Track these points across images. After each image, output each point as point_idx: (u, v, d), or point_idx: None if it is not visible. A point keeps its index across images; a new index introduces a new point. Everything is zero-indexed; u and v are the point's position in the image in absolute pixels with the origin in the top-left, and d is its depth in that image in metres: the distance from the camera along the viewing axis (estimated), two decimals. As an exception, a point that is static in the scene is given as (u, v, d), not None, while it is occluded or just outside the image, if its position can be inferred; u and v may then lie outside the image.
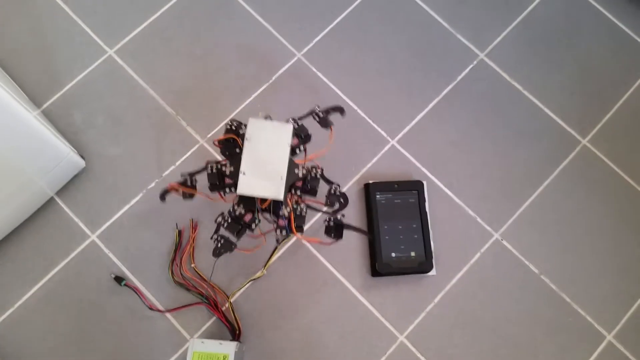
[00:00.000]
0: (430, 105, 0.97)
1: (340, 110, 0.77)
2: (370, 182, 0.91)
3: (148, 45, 1.00)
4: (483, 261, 0.90)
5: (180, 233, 0.89)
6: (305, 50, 1.00)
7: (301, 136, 0.72)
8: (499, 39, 1.02)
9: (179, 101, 0.97)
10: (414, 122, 0.96)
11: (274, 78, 0.98)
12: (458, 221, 0.91)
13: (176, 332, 0.86)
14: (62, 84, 0.98)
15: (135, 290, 0.87)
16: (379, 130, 0.96)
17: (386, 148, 0.95)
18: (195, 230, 0.89)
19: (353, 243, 0.90)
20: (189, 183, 0.75)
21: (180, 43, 1.00)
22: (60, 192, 0.92)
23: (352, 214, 0.91)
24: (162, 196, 0.77)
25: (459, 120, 0.97)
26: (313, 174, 0.71)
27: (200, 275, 0.87)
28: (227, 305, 0.86)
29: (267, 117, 0.72)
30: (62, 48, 0.99)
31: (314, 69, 0.99)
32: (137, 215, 0.91)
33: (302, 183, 0.71)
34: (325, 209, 0.75)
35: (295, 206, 0.71)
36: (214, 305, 0.85)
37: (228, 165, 0.69)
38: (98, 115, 0.96)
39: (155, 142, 0.95)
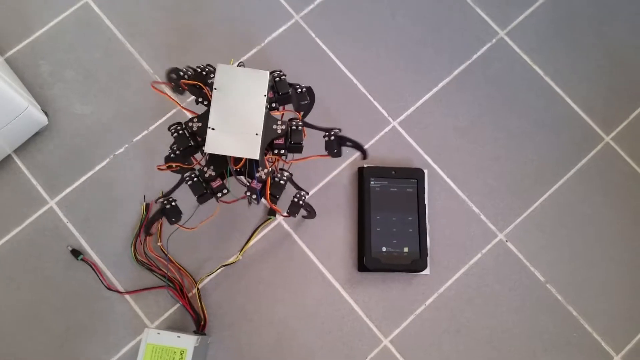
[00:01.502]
0: (440, 86, 0.87)
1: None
2: (365, 165, 0.81)
3: (129, -6, 0.89)
4: (483, 263, 0.80)
5: (147, 207, 0.80)
6: (304, 12, 0.89)
7: (278, 92, 0.62)
8: (522, 16, 0.91)
9: (159, 59, 0.87)
10: (419, 102, 0.86)
11: (266, 41, 0.88)
12: (459, 217, 0.82)
13: (135, 317, 0.77)
14: (32, 30, 0.88)
15: (93, 266, 0.78)
16: (380, 108, 0.86)
17: (386, 129, 0.85)
18: (165, 205, 0.80)
19: (340, 233, 0.80)
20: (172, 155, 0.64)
21: (165, -6, 0.89)
22: (19, 151, 0.82)
23: (342, 201, 0.82)
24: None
25: (469, 105, 0.86)
26: (294, 126, 0.61)
27: (166, 256, 0.78)
28: (194, 291, 0.77)
29: (240, 64, 0.62)
30: (34, -10, 0.89)
31: (313, 35, 0.88)
32: (102, 182, 0.82)
33: (284, 140, 0.62)
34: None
35: (273, 171, 0.61)
36: (179, 291, 0.76)
37: (195, 121, 0.60)
38: (68, 68, 0.86)
39: (129, 102, 0.85)
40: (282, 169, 0.63)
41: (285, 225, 0.81)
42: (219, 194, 0.62)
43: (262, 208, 0.81)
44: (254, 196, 0.60)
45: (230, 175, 0.61)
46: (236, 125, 0.58)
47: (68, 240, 0.79)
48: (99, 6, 0.89)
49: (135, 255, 0.78)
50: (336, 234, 0.80)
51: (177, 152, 0.63)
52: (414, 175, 0.80)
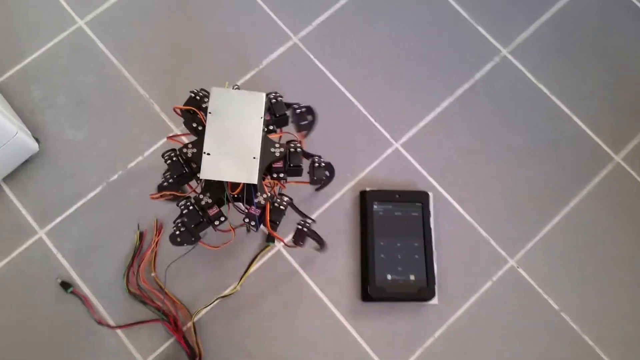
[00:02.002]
0: (443, 106, 0.84)
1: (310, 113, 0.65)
2: (368, 189, 0.78)
3: (124, 18, 0.88)
4: (494, 291, 0.76)
5: (141, 235, 0.76)
6: (302, 33, 0.87)
7: (274, 114, 0.60)
8: (525, 34, 0.89)
9: (154, 83, 0.84)
10: (422, 123, 0.83)
11: (264, 63, 0.86)
12: (467, 242, 0.78)
13: (126, 353, 0.73)
14: (23, 55, 0.85)
15: (83, 299, 0.74)
16: (381, 130, 0.83)
17: (388, 151, 0.82)
18: (159, 233, 0.76)
19: (342, 260, 0.77)
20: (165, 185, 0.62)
21: (160, 17, 0.87)
22: (8, 179, 0.79)
23: (344, 226, 0.78)
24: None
25: (474, 125, 0.83)
26: (292, 149, 0.58)
27: (160, 287, 0.74)
28: (189, 324, 0.73)
29: (235, 87, 0.60)
30: (28, 16, 0.87)
31: (311, 56, 0.86)
32: (94, 211, 0.78)
33: (282, 163, 0.59)
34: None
35: (272, 196, 0.58)
36: (173, 324, 0.72)
37: (190, 147, 0.57)
38: (60, 93, 0.84)
39: (123, 128, 0.82)
40: (281, 194, 0.60)
41: (285, 253, 0.77)
42: (216, 222, 0.59)
43: (260, 235, 0.77)
44: (253, 223, 0.56)
45: (228, 202, 0.58)
46: (233, 150, 0.55)
47: (58, 272, 0.76)
48: (93, 30, 0.87)
49: (127, 287, 0.74)
50: (338, 262, 0.77)
51: (171, 180, 0.60)
52: (419, 199, 0.77)
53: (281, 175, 0.60)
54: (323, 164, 0.66)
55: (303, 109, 0.64)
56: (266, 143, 0.59)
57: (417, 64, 0.86)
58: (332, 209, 0.79)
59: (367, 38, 0.87)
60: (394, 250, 0.75)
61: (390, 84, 0.85)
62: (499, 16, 0.89)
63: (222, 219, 0.59)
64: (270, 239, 0.76)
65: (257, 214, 0.57)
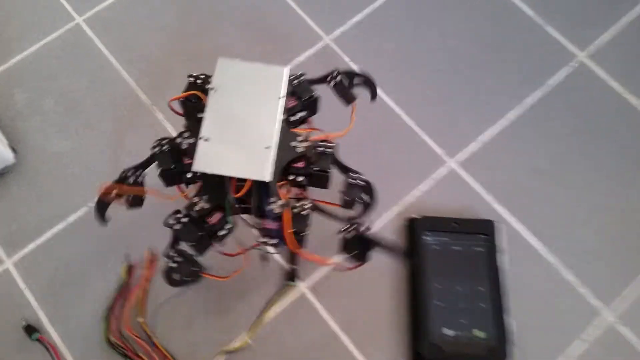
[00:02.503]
0: (508, 117, 0.68)
1: (370, 86, 0.49)
2: (417, 216, 0.61)
3: (128, 15, 0.75)
4: (589, 354, 0.57)
5: (130, 269, 0.60)
6: (336, 33, 0.73)
7: (301, 98, 0.46)
8: (606, 35, 0.73)
9: (158, 89, 0.71)
10: (484, 137, 0.67)
11: (291, 66, 0.71)
12: (548, 287, 0.60)
13: (100, 423, 0.56)
14: (9, 55, 0.73)
15: (51, 349, 0.58)
16: (432, 145, 0.67)
17: (441, 171, 0.66)
18: (151, 266, 0.60)
19: (384, 308, 0.59)
20: (131, 181, 0.47)
21: (170, 16, 0.75)
22: (-25, 196, 0.65)
23: (387, 264, 0.61)
24: (101, 212, 0.50)
25: (550, 140, 0.67)
26: (321, 148, 0.43)
27: (148, 336, 0.57)
28: (182, 387, 0.56)
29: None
30: (19, 11, 0.76)
31: (346, 59, 0.72)
32: (75, 237, 0.63)
33: (304, 163, 0.44)
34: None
35: (292, 201, 0.43)
36: (162, 386, 0.55)
37: (186, 135, 0.42)
38: (47, 98, 0.71)
39: (118, 137, 0.68)
40: (298, 198, 0.44)
41: (310, 296, 0.60)
42: (221, 232, 0.43)
43: (276, 269, 0.61)
44: (273, 241, 0.40)
45: (232, 210, 0.42)
46: (239, 136, 0.40)
47: (23, 312, 0.60)
48: (92, 28, 0.75)
49: (107, 334, 0.57)
50: (379, 310, 0.59)
51: (139, 175, 0.45)
52: (483, 229, 0.60)
53: (300, 179, 0.44)
54: (361, 183, 0.49)
55: (337, 78, 0.49)
56: (286, 134, 0.44)
57: (473, 70, 0.71)
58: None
59: (409, 40, 0.73)
60: (453, 296, 0.57)
61: (441, 92, 0.70)
62: (573, 16, 0.74)
63: (228, 227, 0.43)
64: (290, 276, 0.59)
65: (276, 227, 0.41)
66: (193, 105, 0.44)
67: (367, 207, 0.51)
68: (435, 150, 0.67)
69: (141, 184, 0.48)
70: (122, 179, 0.48)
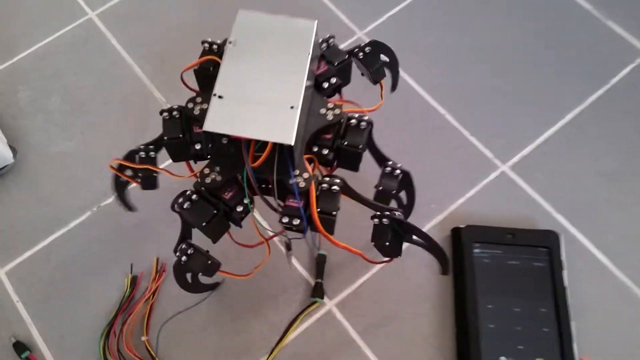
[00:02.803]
0: (568, 117, 0.60)
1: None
2: (463, 226, 0.53)
3: (143, 10, 0.70)
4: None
5: (134, 280, 0.53)
6: (370, 27, 0.67)
7: (332, 63, 0.40)
8: (674, 29, 0.65)
9: (174, 86, 0.64)
10: (540, 139, 0.59)
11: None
12: (619, 307, 0.51)
13: None
14: (15, 50, 0.68)
15: (41, 370, 0.50)
16: (481, 147, 0.59)
17: (492, 176, 0.57)
18: (159, 277, 0.53)
19: (426, 331, 0.51)
20: (142, 155, 0.41)
21: (187, 10, 0.70)
22: (-30, 199, 0.59)
23: (427, 279, 0.53)
24: (119, 191, 0.44)
25: (615, 141, 0.59)
26: (354, 122, 0.38)
27: (152, 357, 0.49)
28: (189, 419, 0.47)
29: None
30: (31, 6, 0.71)
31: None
32: (75, 245, 0.56)
33: (331, 135, 0.37)
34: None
35: (319, 175, 0.37)
36: (165, 418, 0.47)
37: (199, 100, 0.35)
38: (52, 96, 0.65)
39: (127, 137, 0.62)
40: (327, 175, 0.37)
41: (339, 315, 0.52)
42: (239, 208, 0.35)
43: (298, 283, 0.53)
44: (296, 222, 0.33)
45: (250, 190, 0.35)
46: (259, 95, 0.34)
47: (13, 328, 0.53)
48: (105, 23, 0.69)
49: (104, 353, 0.50)
50: (417, 333, 0.51)
51: (152, 147, 0.40)
52: (544, 242, 0.51)
53: (325, 152, 0.37)
54: (398, 173, 0.42)
55: (366, 50, 0.42)
56: (314, 99, 0.37)
57: (528, 67, 0.64)
58: (408, 255, 0.54)
59: (455, 33, 0.66)
60: (509, 318, 0.48)
61: (492, 91, 0.62)
62: (636, 10, 0.66)
63: (246, 202, 0.35)
64: (317, 291, 0.51)
65: (301, 205, 0.34)
66: (209, 75, 0.37)
67: (408, 202, 0.44)
68: (485, 153, 0.59)
69: (153, 160, 0.41)
70: (131, 154, 0.43)
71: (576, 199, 0.55)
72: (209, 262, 0.39)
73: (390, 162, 0.42)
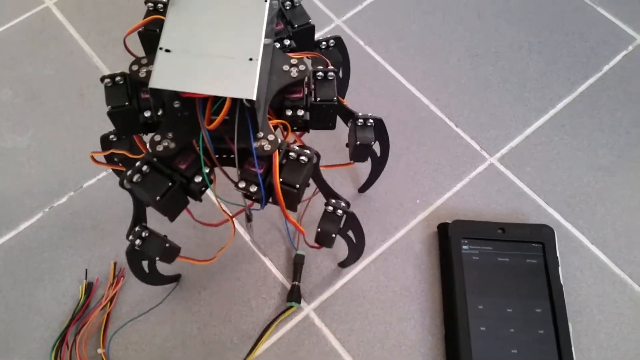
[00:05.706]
0: (559, 107, 0.57)
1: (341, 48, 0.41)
2: (450, 221, 0.49)
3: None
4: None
5: (89, 287, 0.48)
6: (349, 15, 0.63)
7: (292, 25, 0.37)
8: (665, 16, 0.63)
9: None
10: (529, 130, 0.56)
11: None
12: (618, 307, 0.47)
13: None
14: (-34, 41, 0.63)
15: (-18, 390, 0.44)
16: (467, 139, 0.55)
17: (480, 169, 0.54)
18: (117, 283, 0.48)
19: (412, 335, 0.46)
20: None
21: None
22: None
23: (413, 279, 0.48)
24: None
25: (609, 132, 0.56)
26: (321, 74, 0.35)
27: (107, 372, 0.44)
28: None
29: None
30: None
31: (361, 42, 0.61)
32: (25, 248, 0.51)
33: (302, 94, 0.34)
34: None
35: (283, 143, 0.33)
36: None
37: (144, 62, 0.32)
38: (4, 88, 0.60)
39: (83, 132, 0.57)
40: (298, 145, 0.33)
41: (317, 321, 0.47)
42: (196, 179, 0.32)
43: (272, 286, 0.48)
44: (253, 188, 0.29)
45: (206, 159, 0.31)
46: (212, 46, 0.30)
47: (-48, 343, 0.47)
48: (63, 11, 0.64)
49: (54, 369, 0.44)
50: (406, 338, 0.46)
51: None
52: (537, 237, 0.48)
53: (300, 113, 0.33)
54: (370, 123, 0.39)
55: (330, 43, 0.39)
56: (275, 55, 0.34)
57: (515, 53, 0.61)
58: (393, 252, 0.50)
59: (442, 19, 0.63)
60: (502, 320, 0.44)
61: (480, 80, 0.59)
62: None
63: (207, 171, 0.31)
64: (292, 296, 0.47)
65: (260, 172, 0.30)
66: (156, 37, 0.33)
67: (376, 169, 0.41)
68: (472, 144, 0.55)
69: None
70: (104, 140, 0.40)
71: (569, 192, 0.52)
72: (167, 245, 0.35)
73: (360, 114, 0.39)
